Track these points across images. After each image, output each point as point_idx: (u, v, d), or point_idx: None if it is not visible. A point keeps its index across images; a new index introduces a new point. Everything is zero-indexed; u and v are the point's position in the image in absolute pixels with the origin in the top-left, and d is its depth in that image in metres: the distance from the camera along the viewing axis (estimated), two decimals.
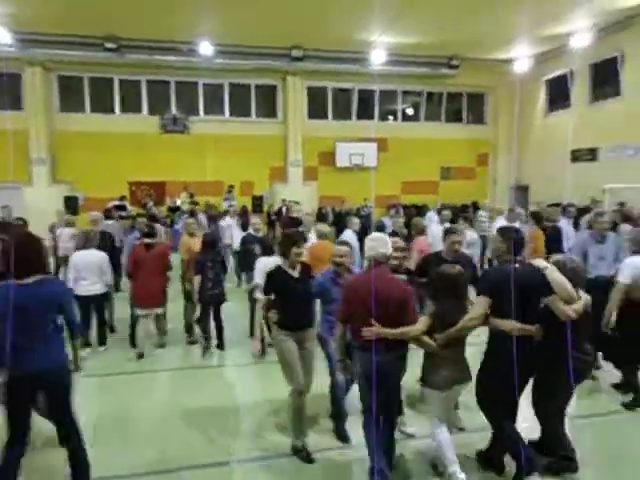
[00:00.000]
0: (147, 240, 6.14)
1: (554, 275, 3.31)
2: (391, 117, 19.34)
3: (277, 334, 3.92)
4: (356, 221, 7.37)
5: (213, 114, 17.49)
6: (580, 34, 14.53)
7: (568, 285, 3.30)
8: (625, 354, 4.76)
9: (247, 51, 16.18)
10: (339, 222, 13.51)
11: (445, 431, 3.42)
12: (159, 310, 6.27)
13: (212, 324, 6.31)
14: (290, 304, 3.89)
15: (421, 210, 15.79)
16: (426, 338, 3.32)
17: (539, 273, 3.32)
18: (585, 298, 3.47)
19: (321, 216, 15.71)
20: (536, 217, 8.12)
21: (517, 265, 3.35)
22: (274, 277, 3.99)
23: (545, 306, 3.36)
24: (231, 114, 17.67)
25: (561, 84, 17.25)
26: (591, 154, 15.83)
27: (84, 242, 5.99)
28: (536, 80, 18.13)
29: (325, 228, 6.27)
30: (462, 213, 12.59)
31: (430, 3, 12.39)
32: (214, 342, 6.29)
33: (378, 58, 15.94)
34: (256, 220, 7.67)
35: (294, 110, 17.57)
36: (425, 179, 18.71)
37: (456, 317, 3.29)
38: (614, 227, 8.80)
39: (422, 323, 3.29)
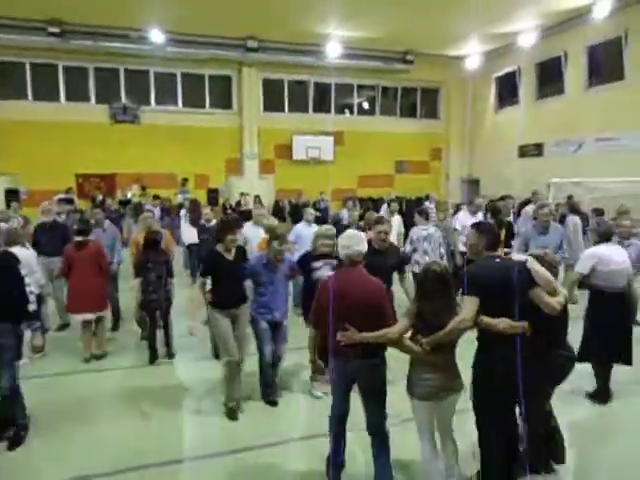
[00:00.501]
0: (78, 238, 5.52)
1: (537, 268, 3.12)
2: (347, 111, 19.44)
3: (212, 312, 4.38)
4: (311, 212, 7.33)
5: (166, 104, 16.97)
6: (526, 33, 15.10)
7: (551, 277, 3.18)
8: (592, 351, 4.42)
9: (201, 40, 15.80)
10: (295, 214, 13.44)
11: (428, 450, 3.10)
12: (95, 315, 5.58)
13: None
14: (223, 284, 4.35)
15: (377, 203, 16.05)
16: (408, 342, 3.04)
17: (523, 266, 3.10)
18: (564, 292, 3.31)
19: (278, 209, 15.65)
20: (493, 210, 7.97)
21: (498, 260, 3.15)
22: (210, 260, 4.44)
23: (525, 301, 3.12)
24: (184, 105, 17.22)
25: (510, 81, 17.91)
26: (537, 149, 16.55)
27: (7, 239, 4.91)
28: (486, 77, 18.72)
29: (273, 222, 6.16)
30: (417, 207, 12.79)
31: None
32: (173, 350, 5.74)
33: (334, 51, 15.98)
34: (206, 211, 7.51)
35: (250, 102, 17.33)
36: (381, 173, 18.95)
37: (445, 319, 2.95)
38: (562, 219, 9.25)
39: (401, 325, 3.04)
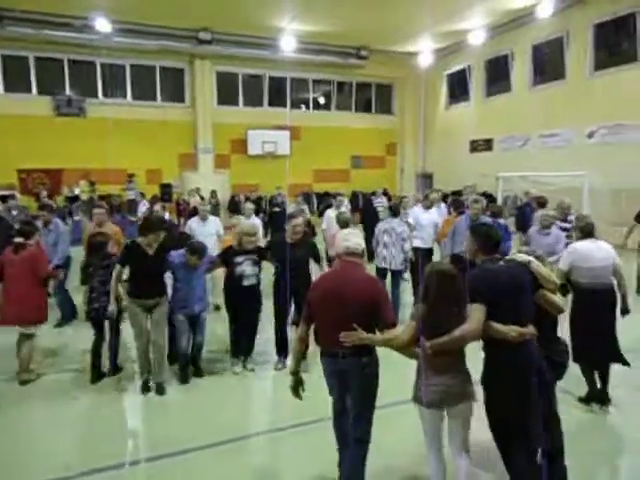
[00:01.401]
0: (17, 239, 4.96)
1: (540, 269, 3.01)
2: (303, 105, 19.40)
3: (127, 300, 4.67)
4: (250, 207, 7.56)
5: (114, 97, 16.37)
6: (476, 32, 15.54)
7: (554, 277, 3.10)
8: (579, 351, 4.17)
9: (150, 31, 15.31)
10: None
11: (434, 460, 2.91)
12: (27, 330, 4.88)
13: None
14: (140, 276, 4.59)
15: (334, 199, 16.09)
16: (411, 347, 2.88)
17: (525, 268, 2.99)
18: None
19: (234, 204, 15.44)
20: (456, 205, 8.09)
21: (502, 263, 2.99)
22: (129, 251, 4.64)
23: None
24: (134, 97, 16.66)
25: (460, 78, 18.40)
26: (487, 144, 17.11)
27: None
28: (438, 73, 19.15)
29: (237, 218, 6.14)
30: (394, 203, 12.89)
31: None
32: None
33: (288, 45, 15.87)
34: (156, 207, 7.38)
35: (203, 95, 16.98)
36: (337, 167, 19.06)
37: (452, 323, 2.75)
38: (522, 210, 9.55)
39: (409, 329, 2.85)
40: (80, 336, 5.68)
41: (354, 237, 3.05)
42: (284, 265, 4.89)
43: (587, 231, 4.38)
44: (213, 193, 14.51)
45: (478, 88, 17.58)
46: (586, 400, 4.30)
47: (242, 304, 4.97)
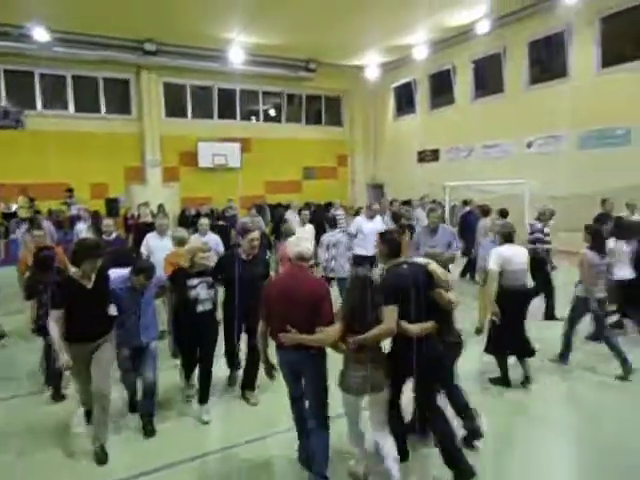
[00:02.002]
0: None
1: (436, 269, 3.49)
2: (254, 117, 19.37)
3: (65, 347, 3.67)
4: (205, 222, 7.14)
5: (55, 108, 15.70)
6: (419, 47, 16.11)
7: (448, 276, 3.59)
8: (496, 341, 4.79)
9: (93, 41, 14.85)
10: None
11: (353, 435, 3.41)
12: None
13: None
14: (80, 316, 3.74)
15: (286, 210, 16.09)
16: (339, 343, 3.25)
17: (425, 269, 3.47)
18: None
19: (184, 218, 15.09)
20: (395, 217, 8.59)
21: (405, 266, 3.43)
22: (63, 289, 3.78)
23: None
24: (77, 109, 16.04)
25: (407, 91, 18.99)
26: (433, 155, 17.69)
27: None
28: (386, 86, 19.68)
29: (181, 233, 5.95)
30: (326, 212, 13.04)
31: (285, 7, 12.65)
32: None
33: (237, 57, 15.83)
34: (107, 222, 7.09)
35: (150, 107, 16.60)
36: (289, 179, 19.10)
37: (370, 321, 3.19)
38: (476, 220, 9.92)
39: (337, 329, 3.18)
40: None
41: (304, 242, 3.40)
42: (235, 286, 4.41)
43: (508, 237, 4.88)
44: (161, 207, 14.10)
45: (423, 101, 18.20)
46: (495, 381, 4.87)
47: (196, 334, 4.30)
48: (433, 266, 3.52)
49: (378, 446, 3.35)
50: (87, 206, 13.47)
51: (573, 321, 5.31)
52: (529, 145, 14.10)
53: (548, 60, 13.91)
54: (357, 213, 8.53)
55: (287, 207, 16.63)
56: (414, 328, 3.27)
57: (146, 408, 4.16)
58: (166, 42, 15.66)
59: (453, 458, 3.31)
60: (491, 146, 15.26)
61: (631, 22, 11.77)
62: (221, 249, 6.88)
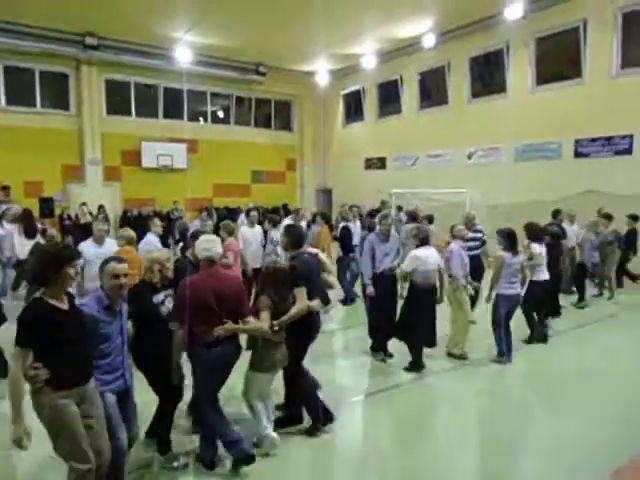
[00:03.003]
0: None
1: (324, 258, 4.59)
2: (202, 119, 18.98)
3: (49, 398, 2.69)
4: (158, 223, 6.83)
5: None
6: (368, 57, 16.43)
7: (330, 265, 4.81)
8: (412, 334, 5.50)
9: (29, 32, 13.98)
10: (140, 225, 12.18)
11: (259, 404, 3.84)
12: None
13: None
14: (64, 351, 2.74)
15: (234, 212, 15.91)
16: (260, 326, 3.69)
17: (317, 257, 4.40)
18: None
19: (126, 220, 14.54)
20: (324, 217, 9.64)
21: (307, 255, 4.21)
22: (40, 319, 2.67)
23: None
24: (9, 102, 15.04)
25: (355, 99, 19.30)
26: (380, 163, 18.07)
27: None
28: (335, 93, 19.91)
29: (129, 232, 5.68)
30: (270, 214, 12.98)
31: (232, 9, 12.50)
32: None
33: (184, 57, 15.44)
34: (52, 232, 6.58)
35: (90, 103, 15.85)
36: (237, 182, 18.85)
37: (287, 304, 3.81)
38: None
39: (266, 317, 3.66)
40: None
41: (214, 247, 3.55)
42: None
43: (424, 240, 5.53)
44: (101, 208, 13.51)
45: (372, 109, 18.56)
46: (409, 368, 5.53)
47: (168, 356, 3.56)
48: (322, 255, 4.60)
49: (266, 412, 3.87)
50: (17, 206, 12.64)
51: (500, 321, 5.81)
52: (470, 156, 14.72)
53: (489, 76, 14.60)
54: (314, 220, 9.16)
55: (233, 210, 16.49)
56: (316, 304, 4.04)
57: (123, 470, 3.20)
58: (108, 37, 15.02)
59: (312, 407, 4.09)
60: (435, 156, 15.79)
61: (563, 44, 12.60)
62: None
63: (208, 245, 3.52)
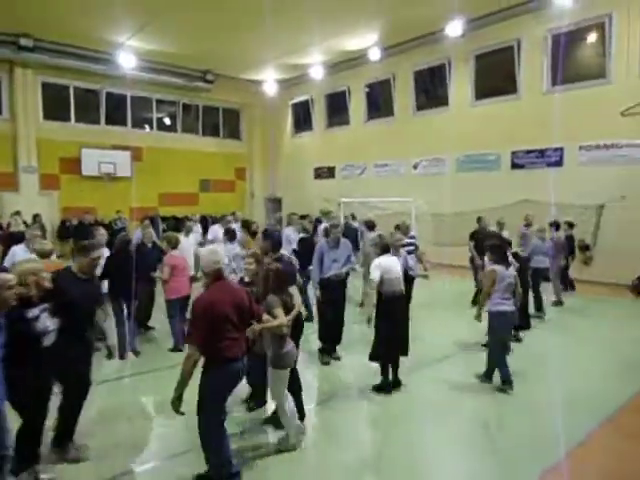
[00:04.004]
0: None
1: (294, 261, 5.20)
2: (147, 126, 18.45)
3: None
4: (103, 232, 6.58)
5: None
6: (316, 67, 16.63)
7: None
8: (381, 348, 5.10)
9: None
10: (81, 235, 11.63)
11: (289, 403, 4.04)
12: None
13: None
14: None
15: (180, 222, 15.47)
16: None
17: (291, 260, 4.92)
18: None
19: (64, 230, 13.84)
20: (245, 225, 9.33)
21: (286, 258, 4.89)
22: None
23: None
24: None
25: (304, 109, 19.44)
26: (329, 172, 18.27)
27: None
28: (284, 103, 19.97)
29: (43, 245, 5.34)
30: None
31: (177, 16, 12.30)
32: None
33: (128, 62, 14.97)
34: None
35: (25, 107, 15.01)
36: (184, 191, 18.45)
37: (292, 303, 4.11)
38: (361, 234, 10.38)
39: (280, 314, 3.81)
40: None
41: (222, 259, 3.51)
42: (70, 314, 3.53)
43: (385, 249, 5.33)
44: (36, 217, 12.77)
45: (320, 119, 18.76)
46: (378, 389, 5.12)
47: (46, 377, 3.39)
48: (293, 258, 5.19)
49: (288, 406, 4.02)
50: None
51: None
52: (415, 166, 15.18)
53: (432, 89, 15.15)
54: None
55: (180, 220, 16.04)
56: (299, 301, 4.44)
57: None
58: (45, 38, 14.34)
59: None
60: (382, 165, 16.17)
61: (499, 61, 13.31)
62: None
63: (216, 257, 3.42)
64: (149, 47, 14.92)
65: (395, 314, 5.08)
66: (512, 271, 5.30)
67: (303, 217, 14.82)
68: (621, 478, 3.70)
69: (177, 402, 3.20)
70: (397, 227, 8.05)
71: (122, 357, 5.90)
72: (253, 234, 8.14)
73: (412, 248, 7.65)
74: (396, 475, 3.69)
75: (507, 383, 5.10)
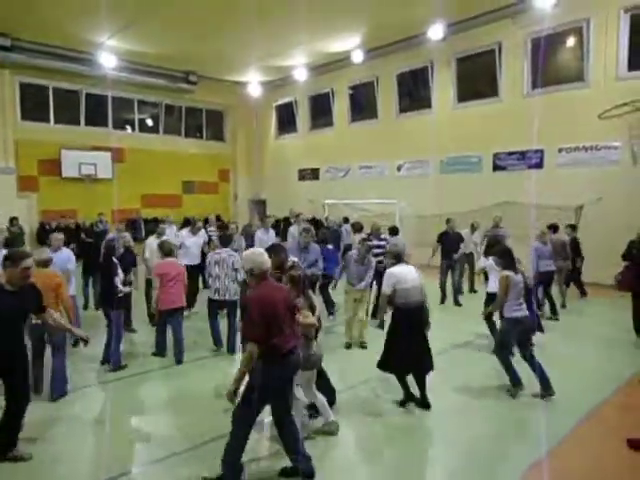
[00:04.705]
0: None
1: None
2: (129, 127, 18.22)
3: None
4: (59, 237, 6.48)
5: None
6: (299, 69, 16.62)
7: None
8: (394, 361, 4.79)
9: None
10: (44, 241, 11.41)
11: (320, 394, 4.24)
12: None
13: None
14: None
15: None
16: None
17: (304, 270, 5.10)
18: None
19: (43, 233, 13.57)
20: (221, 227, 9.84)
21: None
22: None
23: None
24: None
25: (288, 110, 19.41)
26: (313, 174, 18.27)
27: None
28: (268, 104, 19.92)
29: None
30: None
31: (158, 16, 12.17)
32: None
33: (108, 62, 14.79)
34: None
35: (2, 108, 14.69)
36: (167, 192, 18.26)
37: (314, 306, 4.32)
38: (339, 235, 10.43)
39: (310, 315, 4.13)
40: None
41: (267, 259, 3.53)
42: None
43: (398, 257, 5.00)
44: (13, 220, 12.52)
45: (304, 121, 18.75)
46: (402, 403, 4.81)
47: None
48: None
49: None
50: None
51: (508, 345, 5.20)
52: (399, 168, 15.26)
53: (415, 92, 15.27)
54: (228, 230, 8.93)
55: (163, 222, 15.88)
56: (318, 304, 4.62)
57: None
58: (23, 38, 14.07)
59: None
60: (366, 167, 16.23)
61: (481, 64, 13.48)
62: (71, 267, 6.31)
63: (262, 258, 3.50)
64: (131, 47, 14.74)
65: (410, 326, 4.71)
66: (521, 277, 5.13)
67: (286, 220, 14.88)
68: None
69: (233, 395, 3.35)
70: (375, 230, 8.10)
71: (109, 364, 5.86)
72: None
73: (381, 251, 7.61)
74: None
75: (516, 385, 5.01)
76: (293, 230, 10.31)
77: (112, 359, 5.81)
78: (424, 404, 4.76)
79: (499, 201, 12.16)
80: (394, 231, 8.61)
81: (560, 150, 11.74)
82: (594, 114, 10.91)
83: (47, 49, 14.59)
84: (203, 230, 9.25)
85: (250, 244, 8.62)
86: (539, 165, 12.12)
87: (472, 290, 10.19)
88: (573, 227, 9.74)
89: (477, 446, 4.10)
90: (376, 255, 7.31)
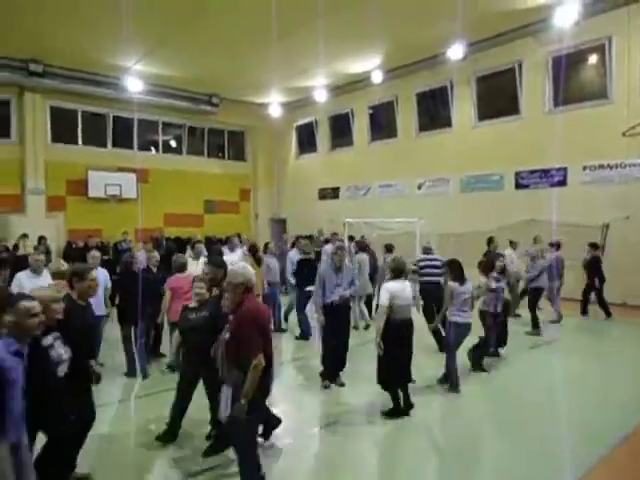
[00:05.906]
0: None
1: None
2: (153, 148, 18.68)
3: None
4: (96, 255, 6.63)
5: None
6: (320, 90, 16.87)
7: None
8: (389, 374, 4.98)
9: None
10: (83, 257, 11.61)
11: None
12: None
13: None
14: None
15: (185, 244, 15.50)
16: None
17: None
18: None
19: (70, 251, 13.88)
20: (252, 250, 9.46)
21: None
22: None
23: None
24: None
25: (308, 131, 19.66)
26: (334, 193, 18.35)
27: None
28: (289, 125, 20.21)
29: (62, 266, 5.38)
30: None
31: (182, 41, 12.59)
32: None
33: (135, 86, 15.26)
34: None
35: (33, 131, 15.25)
36: (189, 212, 18.54)
37: None
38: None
39: None
40: None
41: (253, 274, 3.52)
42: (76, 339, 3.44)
43: (398, 273, 5.16)
44: (41, 239, 12.83)
45: (324, 141, 18.95)
46: (389, 414, 4.98)
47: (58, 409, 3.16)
48: None
49: None
50: None
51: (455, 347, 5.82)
52: (419, 187, 15.23)
53: (435, 111, 15.31)
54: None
55: (184, 241, 16.08)
56: None
57: None
58: (55, 64, 14.66)
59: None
60: (386, 186, 16.24)
61: (501, 83, 13.47)
62: (109, 285, 6.45)
63: (247, 271, 3.47)
64: (156, 71, 15.22)
65: (403, 340, 4.97)
66: (468, 287, 5.83)
67: (309, 237, 14.92)
68: None
69: (245, 408, 3.28)
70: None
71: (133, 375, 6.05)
72: (258, 261, 8.06)
73: (438, 271, 7.56)
74: None
75: (453, 387, 5.67)
76: (328, 248, 10.08)
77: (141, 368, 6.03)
78: (408, 405, 5.05)
79: (522, 219, 11.98)
80: (389, 249, 9.06)
81: (584, 168, 11.56)
82: (618, 131, 10.75)
83: (77, 74, 15.17)
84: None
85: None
86: (562, 183, 11.95)
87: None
88: (595, 246, 9.51)
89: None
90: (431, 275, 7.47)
